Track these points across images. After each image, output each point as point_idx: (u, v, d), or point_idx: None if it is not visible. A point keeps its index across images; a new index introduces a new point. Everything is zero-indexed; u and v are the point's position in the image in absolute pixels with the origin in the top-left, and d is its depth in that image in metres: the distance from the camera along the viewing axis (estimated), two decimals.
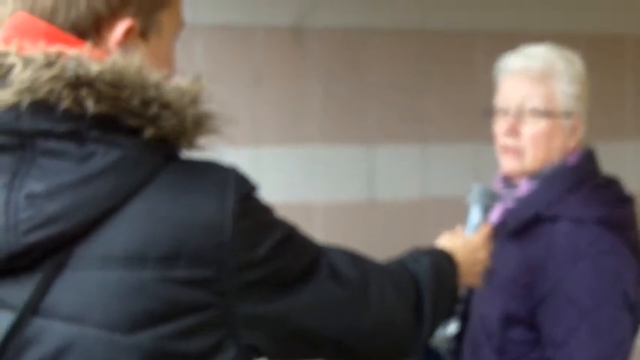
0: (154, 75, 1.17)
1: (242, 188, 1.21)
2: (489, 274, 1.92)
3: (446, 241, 1.81)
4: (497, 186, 2.17)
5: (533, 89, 2.08)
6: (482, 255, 1.85)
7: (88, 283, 1.13)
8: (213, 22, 3.69)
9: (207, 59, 3.68)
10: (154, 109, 1.16)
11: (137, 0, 1.23)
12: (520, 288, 2.02)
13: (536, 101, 2.07)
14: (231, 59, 3.71)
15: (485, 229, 1.90)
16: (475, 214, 1.97)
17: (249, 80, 3.74)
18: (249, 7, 3.74)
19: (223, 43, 3.71)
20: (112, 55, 1.19)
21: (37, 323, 1.13)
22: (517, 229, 2.07)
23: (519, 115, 2.08)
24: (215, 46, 3.70)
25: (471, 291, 2.20)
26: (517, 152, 2.09)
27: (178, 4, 1.31)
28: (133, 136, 1.16)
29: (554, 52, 2.11)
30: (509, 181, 2.15)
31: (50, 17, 1.19)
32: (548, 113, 2.07)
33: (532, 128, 2.08)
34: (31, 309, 1.13)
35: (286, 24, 3.79)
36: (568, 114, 2.08)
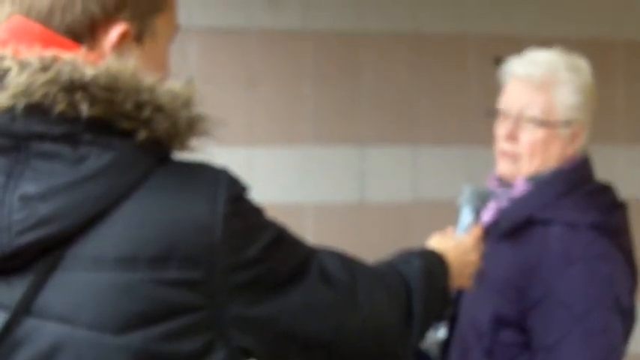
0: (147, 79, 1.18)
1: (233, 190, 1.22)
2: (481, 275, 1.93)
3: (437, 243, 1.80)
4: (491, 184, 2.18)
5: (533, 97, 2.09)
6: (474, 257, 1.84)
7: (80, 284, 1.14)
8: (207, 25, 3.70)
9: (202, 61, 3.68)
10: (147, 112, 1.16)
11: (132, 4, 1.23)
12: (512, 290, 2.03)
13: (535, 110, 2.08)
14: (225, 61, 3.72)
15: (477, 231, 1.90)
16: (466, 216, 1.97)
17: (243, 82, 3.75)
18: (244, 9, 3.75)
19: (217, 45, 3.72)
20: (106, 59, 1.19)
21: (29, 323, 1.14)
22: (510, 230, 2.08)
23: (518, 121, 2.09)
24: (209, 48, 3.70)
25: (459, 293, 2.20)
26: (513, 157, 2.10)
27: (173, 8, 1.32)
28: (127, 138, 1.17)
29: (560, 60, 2.11)
30: (504, 180, 2.16)
31: (46, 20, 1.20)
32: (545, 123, 2.07)
33: (529, 136, 2.08)
34: (23, 309, 1.14)
35: (280, 27, 3.80)
36: (567, 123, 2.09)
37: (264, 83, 3.78)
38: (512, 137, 2.10)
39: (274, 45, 3.79)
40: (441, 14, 3.98)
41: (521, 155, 2.09)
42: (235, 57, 3.74)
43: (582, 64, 2.14)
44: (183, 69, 3.55)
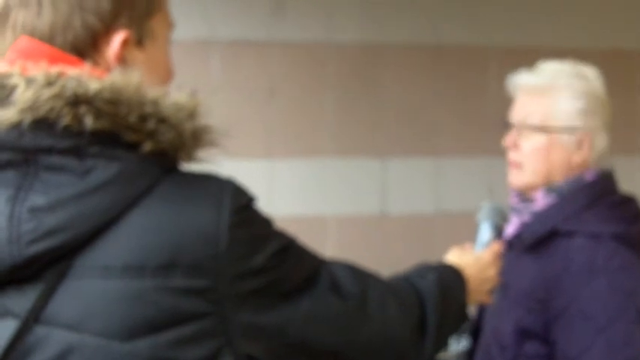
0: (151, 91, 1.20)
1: (238, 199, 1.23)
2: (503, 287, 1.92)
3: (455, 258, 1.80)
4: (512, 200, 2.19)
5: (533, 105, 2.11)
6: (492, 273, 1.83)
7: (89, 292, 1.16)
8: (229, 37, 3.72)
9: (224, 73, 3.70)
10: (151, 124, 1.19)
11: (128, 10, 1.26)
12: (535, 302, 2.02)
13: (534, 117, 2.11)
14: (246, 73, 3.74)
15: (496, 247, 1.90)
16: (485, 232, 1.97)
17: (264, 94, 3.76)
18: (265, 22, 3.77)
19: (239, 57, 3.74)
20: (111, 70, 1.23)
21: (39, 331, 1.16)
22: (533, 243, 2.07)
23: (519, 129, 2.11)
24: (231, 60, 3.72)
25: (482, 306, 2.20)
26: (518, 166, 2.12)
27: (166, 8, 1.35)
28: (132, 150, 1.19)
29: (563, 68, 2.12)
30: (524, 195, 2.16)
31: (49, 41, 1.23)
32: (543, 129, 2.08)
33: (530, 143, 2.11)
34: (34, 317, 1.16)
35: (301, 39, 3.81)
36: (570, 129, 2.09)
37: (286, 95, 3.79)
38: (515, 145, 2.13)
39: (295, 57, 3.81)
40: (461, 26, 3.98)
41: (524, 163, 2.11)
42: (257, 69, 3.76)
43: (590, 72, 2.14)
44: (205, 81, 3.57)
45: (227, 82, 3.67)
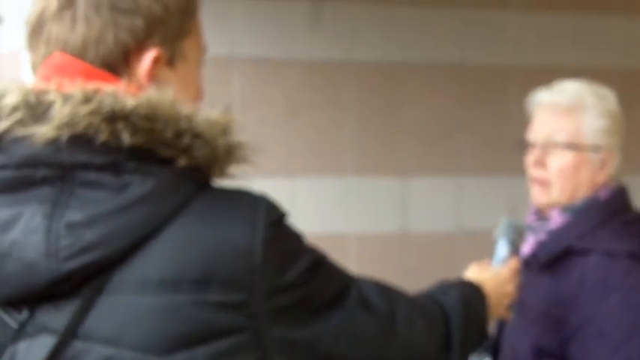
0: (186, 108, 1.21)
1: (272, 215, 1.24)
2: (520, 306, 1.93)
3: (474, 274, 1.83)
4: (529, 219, 2.19)
5: (560, 123, 2.11)
6: (511, 288, 1.85)
7: (125, 307, 1.17)
8: (250, 55, 3.74)
9: (245, 91, 3.72)
10: (186, 140, 1.20)
11: (161, 29, 1.27)
12: (551, 321, 2.03)
13: (562, 134, 2.10)
14: (267, 91, 3.76)
15: (513, 263, 1.91)
16: (502, 248, 1.98)
17: (285, 112, 3.78)
18: (286, 40, 3.79)
19: (260, 75, 3.76)
20: (144, 87, 1.23)
21: (77, 346, 1.17)
22: (548, 262, 2.08)
23: (546, 147, 2.11)
24: (252, 79, 3.74)
25: (501, 324, 2.20)
26: (544, 184, 2.11)
27: (199, 32, 1.36)
28: (167, 165, 1.20)
29: (585, 88, 2.13)
30: (541, 213, 2.16)
31: (81, 55, 1.24)
32: (573, 146, 2.08)
33: (558, 161, 2.10)
34: (71, 333, 1.17)
35: (322, 57, 3.83)
36: (596, 148, 2.09)
37: (307, 113, 3.80)
38: (540, 163, 2.12)
39: (316, 75, 3.82)
40: (482, 46, 3.99)
41: (552, 181, 2.10)
42: (278, 87, 3.78)
43: (607, 92, 2.15)
44: (226, 98, 3.59)
45: (247, 100, 3.69)
